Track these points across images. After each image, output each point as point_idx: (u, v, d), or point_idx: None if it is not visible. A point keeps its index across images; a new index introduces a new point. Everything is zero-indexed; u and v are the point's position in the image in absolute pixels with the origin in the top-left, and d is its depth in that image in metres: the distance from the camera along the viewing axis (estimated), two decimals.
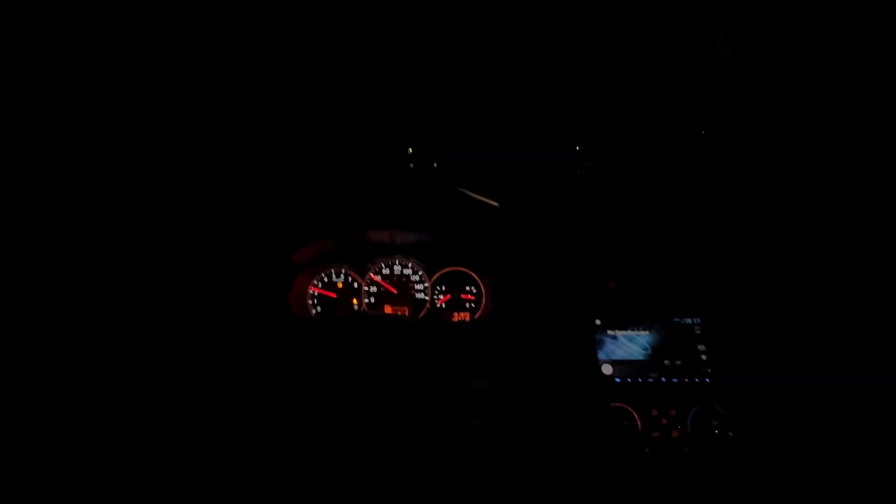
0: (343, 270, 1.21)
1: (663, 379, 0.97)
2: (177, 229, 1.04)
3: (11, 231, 0.82)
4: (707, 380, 0.97)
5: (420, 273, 1.23)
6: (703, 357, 0.99)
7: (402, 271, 1.23)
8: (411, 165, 1.23)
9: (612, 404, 0.94)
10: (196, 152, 1.09)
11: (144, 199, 1.01)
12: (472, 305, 1.22)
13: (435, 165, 1.24)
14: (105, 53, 0.85)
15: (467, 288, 1.23)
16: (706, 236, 1.09)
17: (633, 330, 1.01)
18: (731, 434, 0.92)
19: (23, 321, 0.80)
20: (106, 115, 0.94)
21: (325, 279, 1.21)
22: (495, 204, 1.21)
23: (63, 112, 0.86)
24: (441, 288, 1.23)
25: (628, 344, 1.00)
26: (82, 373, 0.83)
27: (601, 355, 0.99)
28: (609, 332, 1.01)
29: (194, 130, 1.07)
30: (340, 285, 1.21)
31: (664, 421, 0.93)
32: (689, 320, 1.02)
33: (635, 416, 0.94)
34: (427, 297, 1.22)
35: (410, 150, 1.22)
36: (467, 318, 1.22)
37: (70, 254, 0.88)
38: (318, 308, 1.20)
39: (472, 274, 1.23)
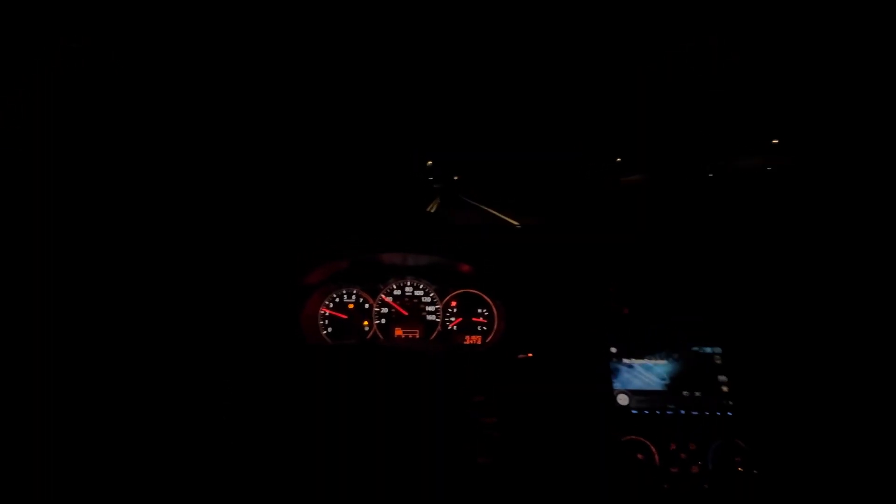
0: (354, 292, 1.21)
1: (682, 411, 0.93)
2: (188, 245, 1.05)
3: (11, 234, 0.83)
4: (729, 413, 0.93)
5: (432, 295, 1.22)
6: (724, 389, 0.95)
7: (413, 293, 1.22)
8: (430, 179, 1.23)
9: (628, 437, 0.91)
10: (207, 166, 1.10)
11: (152, 210, 1.02)
12: (484, 328, 1.21)
13: (455, 178, 1.24)
14: (105, 54, 0.86)
15: (479, 311, 1.21)
16: (727, 260, 1.06)
17: (649, 359, 0.98)
18: (755, 472, 0.88)
19: (24, 331, 0.81)
20: (107, 117, 0.95)
21: (337, 300, 1.21)
22: (515, 223, 1.20)
23: (63, 112, 0.87)
24: (453, 310, 1.22)
25: (645, 373, 0.97)
26: (92, 389, 0.84)
27: (616, 385, 0.96)
28: (625, 360, 0.98)
29: (205, 146, 1.09)
30: (352, 307, 1.21)
31: (683, 455, 0.89)
32: (708, 349, 0.98)
33: (653, 449, 0.90)
34: (438, 320, 1.21)
35: (430, 162, 1.23)
36: (479, 342, 1.20)
37: (74, 262, 0.89)
38: (329, 329, 1.20)
39: (485, 297, 1.21)
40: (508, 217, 1.20)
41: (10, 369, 0.76)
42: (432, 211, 1.26)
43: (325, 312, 1.20)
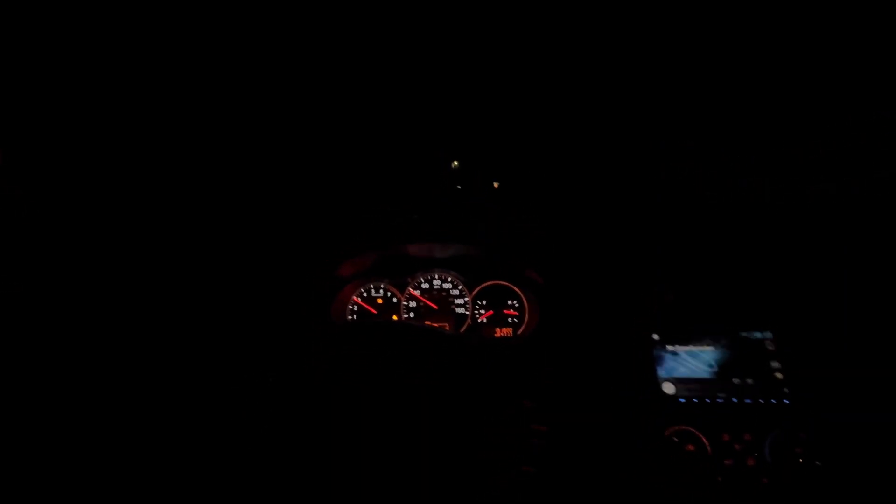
0: (382, 286, 1.20)
1: (734, 399, 0.87)
2: (222, 242, 1.06)
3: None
4: (785, 401, 0.87)
5: (460, 287, 1.19)
6: (779, 375, 0.89)
7: (441, 286, 1.20)
8: (459, 187, 1.21)
9: (677, 427, 0.86)
10: (240, 166, 1.11)
11: (190, 212, 1.04)
12: (516, 321, 1.17)
13: (495, 185, 1.21)
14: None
15: (510, 302, 1.18)
16: (773, 235, 1.01)
17: (695, 345, 0.92)
18: (817, 463, 0.81)
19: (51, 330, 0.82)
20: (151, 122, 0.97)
21: (365, 294, 1.20)
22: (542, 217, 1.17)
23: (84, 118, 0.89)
24: (482, 302, 1.19)
25: (691, 360, 0.92)
26: (120, 373, 0.85)
27: (661, 373, 0.91)
28: (668, 347, 0.93)
29: (235, 145, 1.10)
30: (380, 301, 1.19)
31: (737, 447, 0.84)
32: (758, 334, 0.92)
33: (704, 440, 0.84)
34: (468, 312, 1.18)
35: (455, 163, 1.21)
36: (510, 334, 1.17)
37: (118, 257, 0.90)
38: None
39: (515, 288, 1.18)
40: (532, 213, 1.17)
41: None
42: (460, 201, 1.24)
43: (354, 307, 1.19)
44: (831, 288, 0.95)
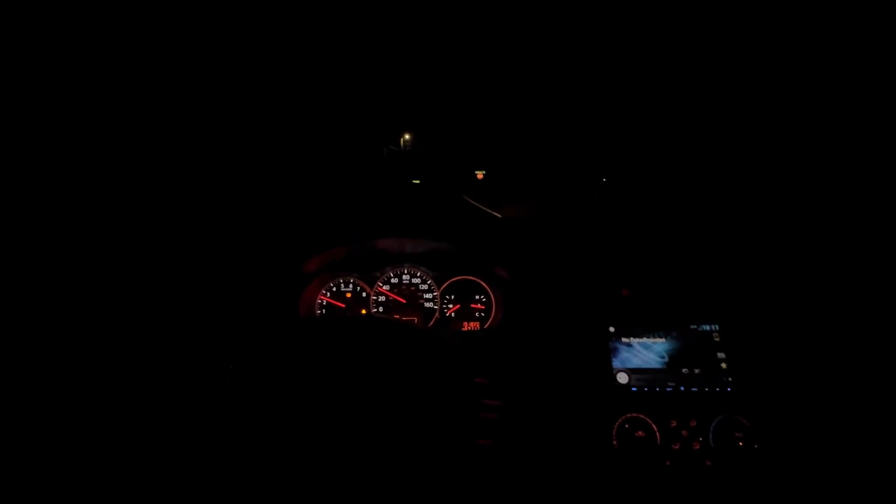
0: (352, 280, 1.21)
1: (682, 388, 0.93)
2: (186, 237, 1.05)
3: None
4: (728, 389, 0.92)
5: (429, 282, 1.22)
6: (723, 365, 0.95)
7: (410, 280, 1.22)
8: (416, 181, 1.23)
9: (628, 415, 0.90)
10: (204, 160, 1.11)
11: (156, 206, 1.03)
12: (482, 315, 1.20)
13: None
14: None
15: (477, 297, 1.21)
16: (723, 236, 1.07)
17: (648, 337, 0.98)
18: (756, 446, 0.87)
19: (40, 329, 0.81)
20: (114, 119, 0.96)
21: (334, 289, 1.21)
22: (497, 215, 1.20)
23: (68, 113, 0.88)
24: (450, 297, 1.21)
25: (644, 352, 0.97)
26: (96, 373, 0.84)
27: (616, 364, 0.96)
28: (624, 339, 0.98)
29: (202, 138, 1.09)
30: (349, 295, 1.21)
31: (684, 433, 0.89)
32: (706, 327, 0.98)
33: (654, 427, 0.89)
34: (436, 307, 1.21)
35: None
36: (477, 328, 1.20)
37: (82, 256, 0.89)
38: None
39: (482, 283, 1.21)
40: (490, 209, 1.20)
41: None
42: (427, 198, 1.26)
43: (322, 301, 1.20)
44: (775, 283, 1.01)
